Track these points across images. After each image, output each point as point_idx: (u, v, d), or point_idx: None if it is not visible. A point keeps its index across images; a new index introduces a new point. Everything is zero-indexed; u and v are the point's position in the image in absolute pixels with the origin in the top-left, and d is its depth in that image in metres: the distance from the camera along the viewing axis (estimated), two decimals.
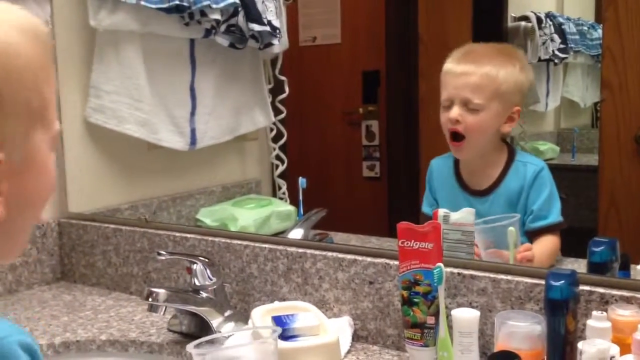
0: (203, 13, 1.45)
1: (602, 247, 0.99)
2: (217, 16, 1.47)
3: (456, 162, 1.30)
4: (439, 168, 1.33)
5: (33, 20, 0.58)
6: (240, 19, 1.53)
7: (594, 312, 0.86)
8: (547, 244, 1.20)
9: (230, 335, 1.02)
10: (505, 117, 1.22)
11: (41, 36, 0.58)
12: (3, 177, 0.55)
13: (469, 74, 1.21)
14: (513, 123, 1.23)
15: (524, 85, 1.24)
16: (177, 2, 1.40)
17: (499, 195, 1.24)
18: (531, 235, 1.21)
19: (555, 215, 1.21)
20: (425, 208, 1.33)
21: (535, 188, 1.21)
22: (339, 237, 1.42)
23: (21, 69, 0.55)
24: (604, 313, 0.86)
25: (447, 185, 1.30)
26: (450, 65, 1.24)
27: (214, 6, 1.45)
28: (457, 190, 1.28)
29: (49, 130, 0.60)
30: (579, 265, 1.04)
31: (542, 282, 0.92)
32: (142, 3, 1.39)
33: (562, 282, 0.86)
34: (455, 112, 1.20)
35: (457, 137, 1.22)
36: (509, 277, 0.99)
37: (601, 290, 0.92)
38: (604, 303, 0.91)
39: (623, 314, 0.87)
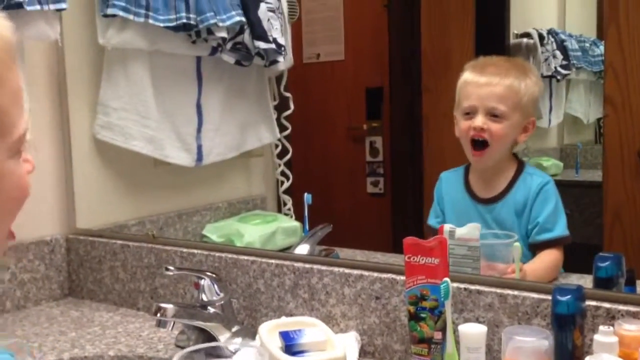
0: (210, 31, 1.47)
1: (607, 262, 1.00)
2: (224, 34, 1.49)
3: (466, 171, 1.32)
4: (448, 179, 1.36)
5: None
6: (246, 36, 1.55)
7: (601, 327, 0.86)
8: (547, 258, 1.21)
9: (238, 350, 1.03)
10: (521, 128, 1.26)
11: None
12: None
13: (494, 84, 1.24)
14: (528, 133, 1.27)
15: (537, 97, 1.29)
16: (185, 21, 1.43)
17: (506, 204, 1.26)
18: (535, 248, 1.23)
19: (560, 229, 1.23)
20: (431, 220, 1.34)
21: (539, 200, 1.23)
22: (343, 253, 1.43)
23: None
24: (611, 328, 0.86)
25: (455, 193, 1.32)
26: (472, 75, 1.27)
27: (221, 24, 1.47)
28: (465, 198, 1.30)
29: (6, 136, 0.55)
30: (585, 282, 1.04)
31: (549, 297, 0.92)
32: (150, 21, 1.41)
33: (569, 297, 0.86)
34: (480, 120, 1.23)
35: (479, 144, 1.24)
36: (516, 293, 1.00)
37: (607, 305, 0.93)
38: (611, 318, 0.92)
39: (630, 328, 0.87)
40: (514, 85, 1.24)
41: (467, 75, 1.28)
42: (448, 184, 1.35)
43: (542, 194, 1.24)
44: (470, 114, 1.25)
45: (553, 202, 1.24)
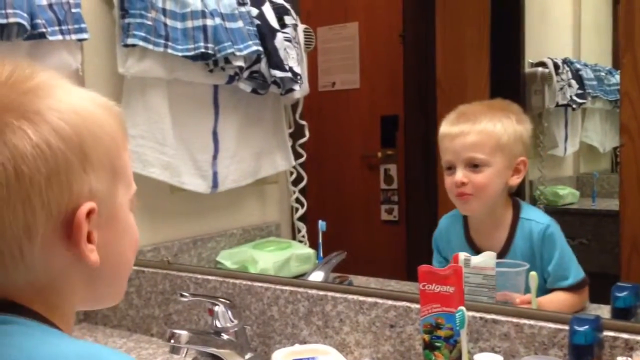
0: (227, 60, 1.50)
1: (625, 293, 0.99)
2: (241, 63, 1.52)
3: (465, 224, 1.27)
4: (447, 229, 1.31)
5: (106, 99, 0.66)
6: (263, 65, 1.57)
7: (619, 358, 0.85)
8: (560, 297, 1.16)
9: None
10: (511, 170, 1.20)
11: (115, 111, 0.66)
12: (95, 227, 0.59)
13: (466, 133, 1.19)
14: (520, 174, 1.21)
15: (523, 135, 1.21)
16: (203, 50, 1.45)
17: (512, 258, 1.20)
18: None
19: (575, 275, 1.17)
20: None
21: (545, 249, 1.18)
22: (357, 280, 1.42)
23: (104, 134, 0.62)
24: (629, 359, 0.85)
25: (459, 249, 1.27)
26: (446, 128, 1.23)
27: (238, 53, 1.50)
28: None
29: (129, 190, 0.66)
30: (602, 312, 1.03)
31: (566, 327, 0.91)
32: (169, 51, 1.43)
33: (587, 327, 0.85)
34: (460, 174, 1.19)
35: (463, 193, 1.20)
36: (532, 322, 0.98)
37: (626, 336, 0.91)
38: (629, 349, 0.90)
39: None
40: (487, 128, 1.18)
41: (442, 129, 1.23)
42: (449, 236, 1.30)
43: (546, 242, 1.18)
44: (450, 168, 1.21)
45: (559, 248, 1.18)
